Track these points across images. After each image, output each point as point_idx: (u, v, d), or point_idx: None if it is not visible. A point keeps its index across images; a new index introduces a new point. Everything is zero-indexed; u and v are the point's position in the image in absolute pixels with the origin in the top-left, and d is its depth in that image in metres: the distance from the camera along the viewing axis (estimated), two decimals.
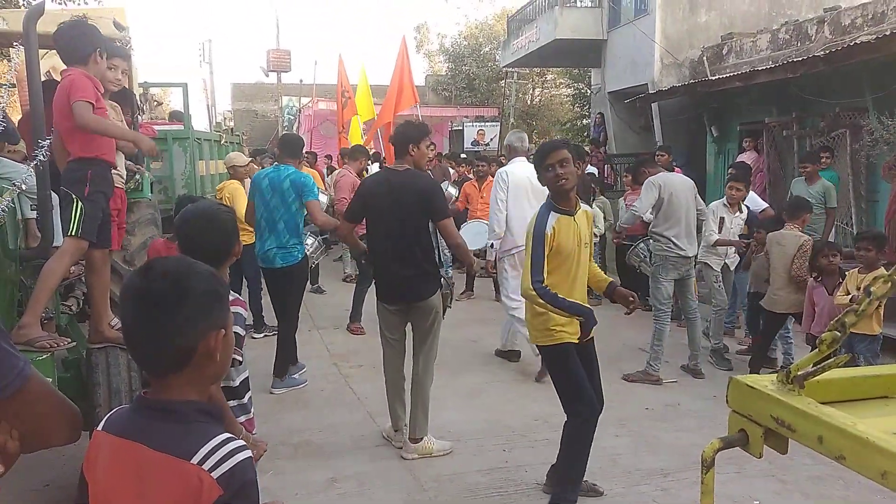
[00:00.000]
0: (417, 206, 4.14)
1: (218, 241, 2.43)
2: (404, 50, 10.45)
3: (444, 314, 4.45)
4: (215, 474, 1.27)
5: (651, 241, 6.02)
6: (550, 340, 3.54)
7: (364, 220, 4.39)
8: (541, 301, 3.39)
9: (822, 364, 1.47)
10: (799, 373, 1.48)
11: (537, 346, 3.66)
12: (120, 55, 3.79)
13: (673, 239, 5.71)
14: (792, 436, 1.43)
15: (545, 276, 3.40)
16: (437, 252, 4.36)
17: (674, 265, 5.76)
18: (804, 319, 5.56)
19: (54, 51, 5.81)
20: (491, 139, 19.85)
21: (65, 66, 3.62)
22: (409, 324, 4.39)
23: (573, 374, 3.51)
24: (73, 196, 3.45)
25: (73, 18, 3.83)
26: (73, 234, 3.44)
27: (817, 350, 1.48)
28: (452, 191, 9.12)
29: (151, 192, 6.56)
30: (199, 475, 1.27)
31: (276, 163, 5.98)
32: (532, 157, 3.71)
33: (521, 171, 5.56)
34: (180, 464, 1.28)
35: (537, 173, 3.59)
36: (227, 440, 1.32)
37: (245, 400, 2.56)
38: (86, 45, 3.50)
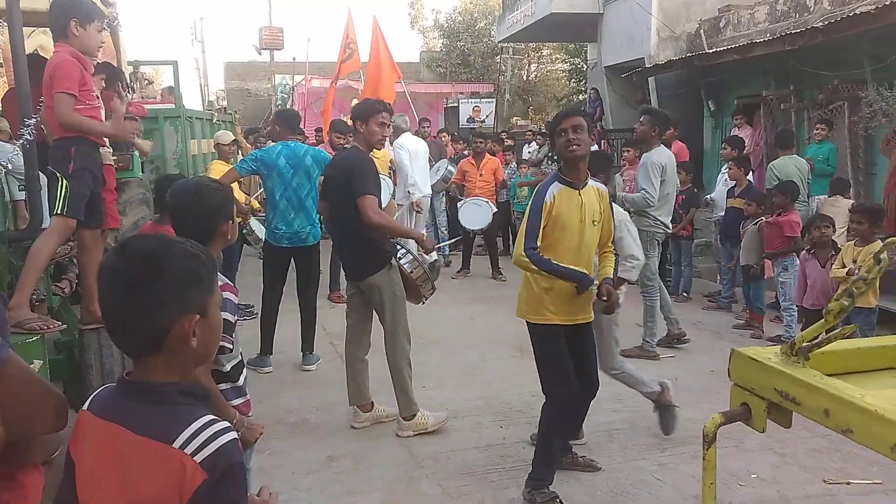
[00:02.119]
0: (344, 182, 4.14)
1: (202, 217, 2.31)
2: (377, 30, 10.31)
3: (420, 301, 4.40)
4: (198, 458, 1.23)
5: (640, 218, 5.86)
6: (539, 319, 3.47)
7: None
8: (534, 267, 3.32)
9: (828, 335, 1.43)
10: (804, 344, 1.45)
11: (526, 321, 3.57)
12: (97, 18, 3.64)
13: (661, 218, 5.66)
14: (797, 409, 1.39)
15: (539, 244, 3.32)
16: (433, 230, 4.35)
17: (658, 241, 5.76)
18: (796, 292, 5.54)
19: (42, 29, 5.73)
20: (487, 116, 19.65)
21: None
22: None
23: (558, 359, 3.45)
24: (59, 174, 3.39)
25: None
26: (60, 212, 3.39)
27: (822, 321, 1.44)
28: (452, 168, 9.04)
29: (143, 172, 6.49)
30: (181, 459, 1.23)
31: (270, 141, 5.90)
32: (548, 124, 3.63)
33: (411, 142, 8.04)
34: (162, 448, 1.24)
35: (551, 141, 3.53)
36: (211, 422, 1.28)
37: (240, 382, 2.50)
38: (62, 18, 3.41)
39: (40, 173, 3.81)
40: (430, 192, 8.49)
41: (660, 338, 5.84)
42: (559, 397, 3.48)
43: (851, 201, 6.87)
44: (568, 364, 3.45)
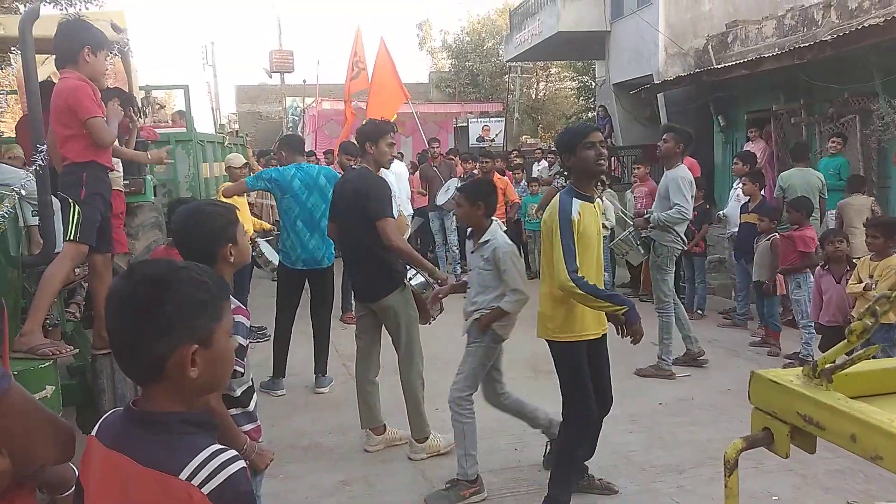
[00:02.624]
0: (359, 205, 4.10)
1: (201, 241, 2.26)
2: (383, 51, 10.31)
3: (429, 321, 4.36)
4: (206, 489, 1.20)
5: (658, 231, 5.84)
6: (570, 336, 3.38)
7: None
8: (580, 293, 3.19)
9: (852, 356, 1.39)
10: (826, 366, 1.40)
11: (549, 340, 3.47)
12: (107, 47, 3.70)
13: (681, 233, 5.64)
14: (821, 434, 1.35)
15: (577, 265, 3.21)
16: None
17: (675, 257, 5.75)
18: (812, 309, 5.46)
19: (53, 55, 5.81)
20: (496, 135, 19.68)
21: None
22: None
23: (583, 377, 3.40)
24: (71, 200, 3.40)
25: (65, 18, 3.77)
26: (73, 238, 3.40)
27: (845, 342, 1.40)
28: (454, 182, 9.07)
29: (155, 196, 6.53)
30: (188, 491, 1.20)
31: (278, 164, 5.95)
32: (563, 137, 3.51)
33: (394, 165, 7.30)
34: (168, 479, 1.22)
35: (569, 153, 3.37)
36: (217, 452, 1.25)
37: (250, 408, 2.47)
38: (74, 44, 3.44)
39: (53, 198, 3.83)
40: (413, 212, 8.72)
41: (677, 356, 5.77)
42: (583, 416, 3.43)
43: (871, 199, 6.85)
44: (588, 378, 3.41)
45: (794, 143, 6.85)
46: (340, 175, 5.17)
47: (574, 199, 3.32)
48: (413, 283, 4.24)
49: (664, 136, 5.70)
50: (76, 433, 1.52)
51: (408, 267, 4.31)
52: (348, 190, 4.24)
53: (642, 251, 5.97)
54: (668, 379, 5.49)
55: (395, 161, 8.46)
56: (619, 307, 3.26)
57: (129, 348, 1.28)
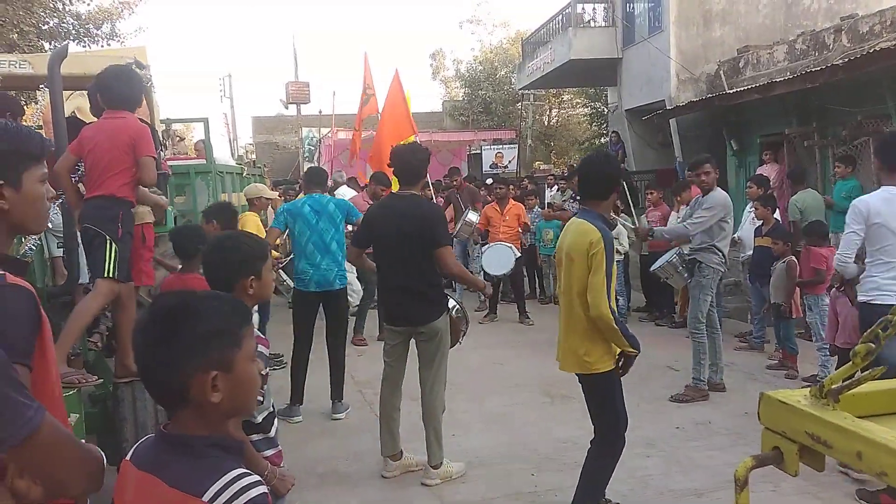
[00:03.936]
0: (419, 232, 4.14)
1: (222, 270, 2.35)
2: (397, 83, 10.40)
3: (456, 343, 4.45)
4: None
5: (708, 253, 5.71)
6: (609, 366, 3.40)
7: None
8: (614, 326, 3.26)
9: (857, 377, 1.43)
10: (833, 386, 1.44)
11: (588, 374, 3.44)
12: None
13: (725, 252, 5.67)
14: (829, 452, 1.38)
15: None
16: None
17: (719, 279, 5.79)
18: (828, 331, 5.44)
19: (79, 92, 5.99)
20: (509, 161, 19.84)
21: (105, 108, 3.72)
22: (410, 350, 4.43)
23: (618, 402, 3.46)
24: (107, 237, 3.48)
25: (127, 65, 4.02)
26: (110, 275, 3.47)
27: (851, 363, 1.43)
28: (472, 217, 9.16)
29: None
30: None
31: (302, 193, 6.21)
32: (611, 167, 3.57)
33: (348, 194, 8.69)
34: (192, 500, 1.27)
35: (614, 184, 3.46)
36: (241, 475, 1.30)
37: (272, 433, 2.53)
38: (135, 90, 3.65)
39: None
40: None
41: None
42: (619, 440, 3.48)
43: None
44: (622, 406, 3.48)
45: (793, 167, 6.85)
46: (371, 203, 5.32)
47: (605, 225, 3.39)
48: (452, 310, 4.38)
49: (707, 167, 5.74)
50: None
51: (446, 294, 4.44)
52: (399, 216, 4.21)
53: (686, 275, 5.95)
54: (704, 399, 5.48)
55: (348, 191, 9.44)
56: (631, 350, 3.35)
57: (154, 376, 1.35)
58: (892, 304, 4.38)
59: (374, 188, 7.43)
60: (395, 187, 7.98)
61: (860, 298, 4.11)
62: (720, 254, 5.63)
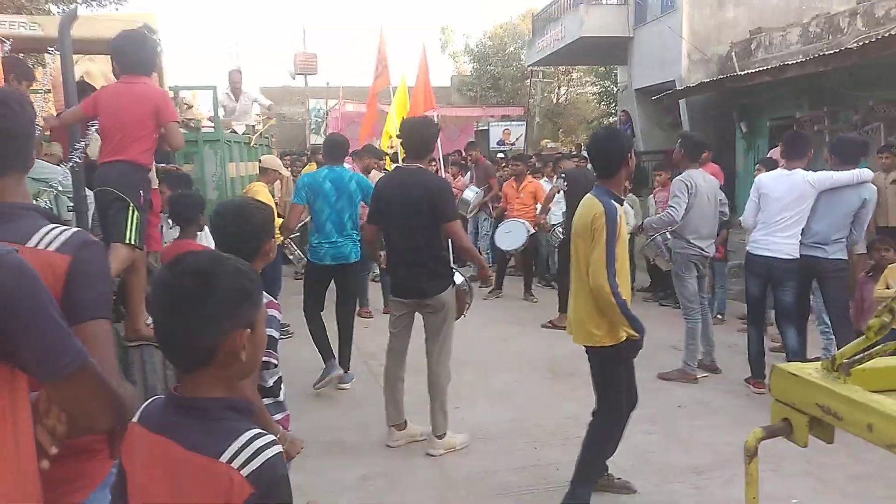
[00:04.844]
0: (426, 205, 4.15)
1: (245, 236, 2.40)
2: (424, 59, 10.44)
3: (460, 317, 4.49)
4: (245, 472, 1.27)
5: (672, 238, 5.94)
6: (616, 340, 3.36)
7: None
8: (611, 300, 3.21)
9: (869, 351, 1.44)
10: (844, 360, 1.45)
11: (595, 346, 3.41)
12: None
13: (689, 238, 5.64)
14: (839, 424, 1.40)
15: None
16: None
17: (695, 263, 5.74)
18: (853, 314, 5.44)
19: (87, 55, 5.95)
20: (517, 138, 19.73)
21: (122, 72, 3.71)
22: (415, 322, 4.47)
23: (622, 377, 3.47)
24: (130, 203, 3.49)
25: (140, 29, 3.97)
26: (131, 242, 3.48)
27: (864, 337, 1.44)
28: (469, 195, 9.16)
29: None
30: (229, 474, 1.27)
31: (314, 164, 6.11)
32: (619, 142, 3.46)
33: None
34: (210, 463, 1.29)
35: (623, 159, 3.38)
36: (257, 436, 1.32)
37: (281, 397, 2.57)
38: (153, 57, 3.65)
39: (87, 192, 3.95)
40: None
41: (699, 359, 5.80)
42: (621, 415, 3.51)
43: None
44: (625, 381, 3.49)
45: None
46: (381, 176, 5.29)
47: (612, 201, 3.32)
48: (458, 282, 4.43)
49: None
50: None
51: (452, 268, 4.47)
52: (406, 190, 4.20)
53: (666, 257, 6.01)
54: (692, 382, 5.50)
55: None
56: (634, 332, 3.32)
57: (180, 337, 1.34)
58: (764, 256, 5.21)
59: (368, 161, 7.39)
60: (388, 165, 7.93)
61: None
62: (682, 239, 5.68)
